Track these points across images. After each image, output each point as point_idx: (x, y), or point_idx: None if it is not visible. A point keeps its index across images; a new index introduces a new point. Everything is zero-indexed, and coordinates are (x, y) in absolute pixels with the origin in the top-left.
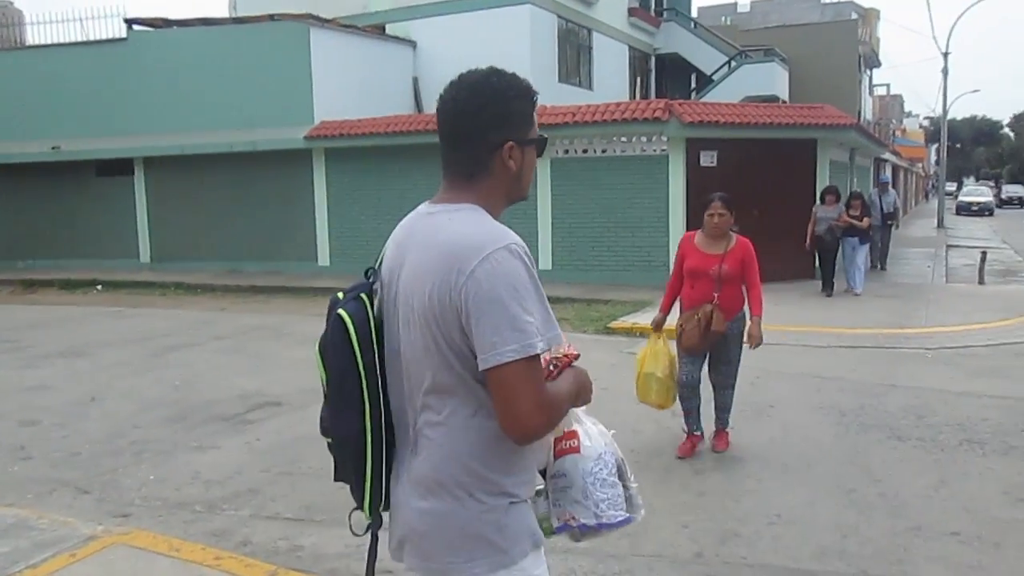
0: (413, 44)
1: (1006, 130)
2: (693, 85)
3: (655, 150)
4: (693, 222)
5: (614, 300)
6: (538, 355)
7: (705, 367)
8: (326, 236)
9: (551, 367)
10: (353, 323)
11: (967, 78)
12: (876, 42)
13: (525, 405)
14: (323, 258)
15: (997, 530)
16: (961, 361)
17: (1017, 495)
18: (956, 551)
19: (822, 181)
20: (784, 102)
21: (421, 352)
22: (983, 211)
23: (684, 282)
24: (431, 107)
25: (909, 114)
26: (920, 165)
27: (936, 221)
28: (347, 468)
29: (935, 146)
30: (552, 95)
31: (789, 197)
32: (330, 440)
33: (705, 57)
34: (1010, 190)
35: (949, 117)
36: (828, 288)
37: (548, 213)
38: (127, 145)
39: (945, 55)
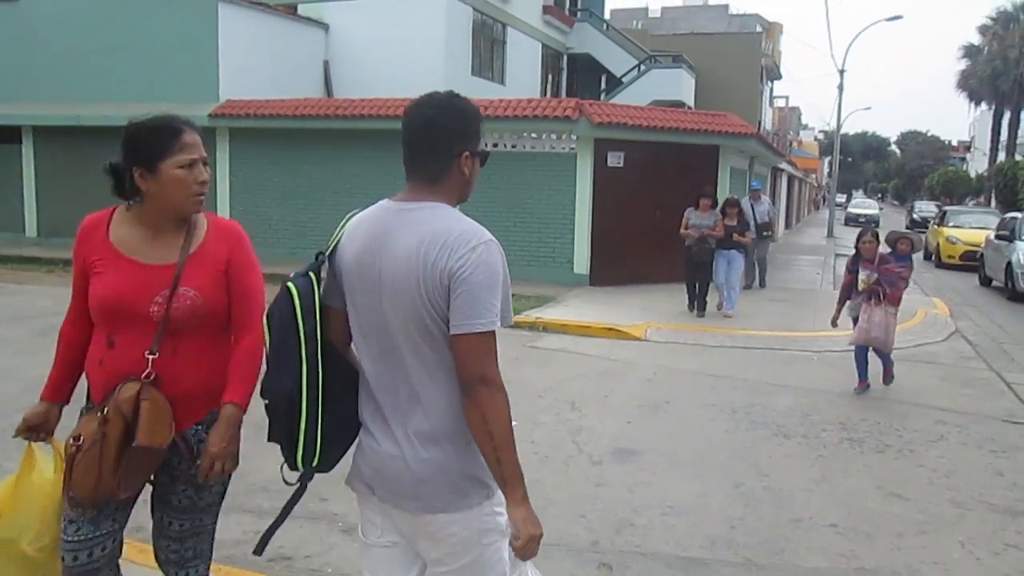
0: (325, 27)
1: (893, 147)
2: (603, 86)
3: (564, 148)
4: (598, 220)
5: (518, 295)
6: (494, 332)
7: None
8: (227, 216)
9: None
10: (299, 294)
11: (860, 96)
12: (778, 55)
13: (485, 368)
14: None
15: (871, 522)
16: (844, 364)
17: (889, 489)
18: (833, 541)
19: (723, 186)
20: (690, 108)
21: (410, 322)
22: (870, 223)
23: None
24: (342, 91)
25: (805, 127)
26: (814, 176)
27: (826, 230)
28: (280, 426)
29: (828, 159)
30: (464, 87)
31: (692, 201)
32: (267, 401)
33: (616, 59)
34: (924, 209)
35: (842, 132)
36: (699, 308)
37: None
38: (15, 112)
39: (841, 72)
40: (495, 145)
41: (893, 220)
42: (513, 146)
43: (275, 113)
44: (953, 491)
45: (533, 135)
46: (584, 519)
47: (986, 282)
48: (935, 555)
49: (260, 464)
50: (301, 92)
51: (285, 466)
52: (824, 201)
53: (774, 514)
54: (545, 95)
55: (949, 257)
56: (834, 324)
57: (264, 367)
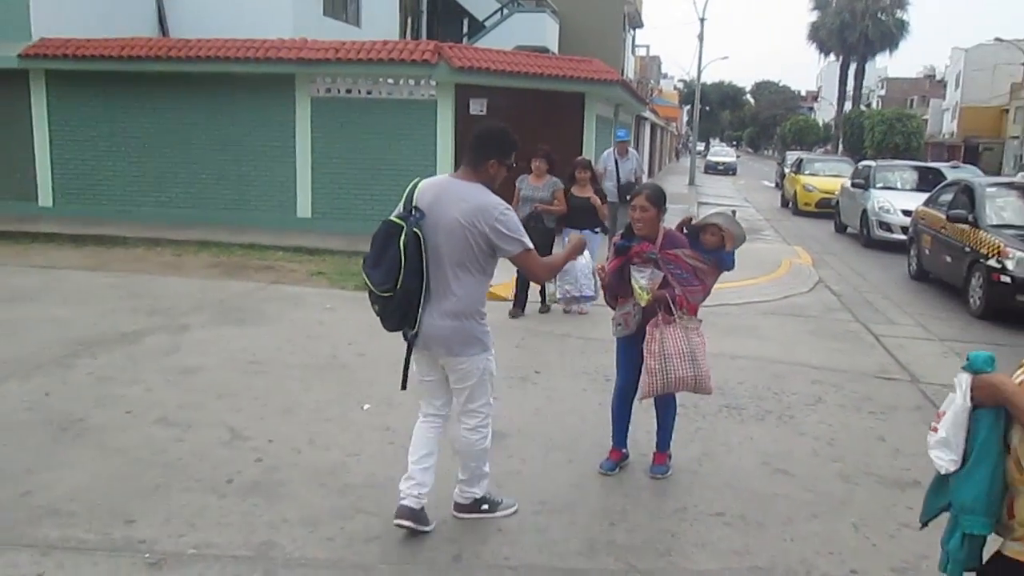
0: None
1: (748, 96)
2: (466, 30)
3: (423, 95)
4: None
5: None
6: (531, 248)
7: None
8: (48, 173)
9: None
10: (421, 234)
11: (718, 45)
12: (640, 3)
13: (536, 269)
14: (44, 198)
15: (759, 507)
16: (714, 320)
17: (775, 465)
18: (723, 535)
19: (589, 135)
20: (554, 55)
21: (457, 248)
22: (728, 170)
23: None
24: (180, 31)
25: (665, 76)
26: (674, 125)
27: (688, 179)
28: (399, 311)
29: (687, 107)
30: (315, 29)
31: (557, 150)
32: (391, 294)
33: (478, 2)
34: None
35: (700, 82)
36: (518, 305)
37: (308, 157)
38: None
39: (702, 20)
40: (348, 91)
41: (750, 168)
42: (369, 92)
43: (98, 54)
44: (839, 463)
45: (390, 80)
46: (445, 526)
47: (841, 229)
48: (829, 543)
49: (51, 479)
50: (132, 32)
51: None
52: (685, 150)
53: (656, 504)
54: (404, 39)
55: (805, 205)
56: None
57: (401, 275)
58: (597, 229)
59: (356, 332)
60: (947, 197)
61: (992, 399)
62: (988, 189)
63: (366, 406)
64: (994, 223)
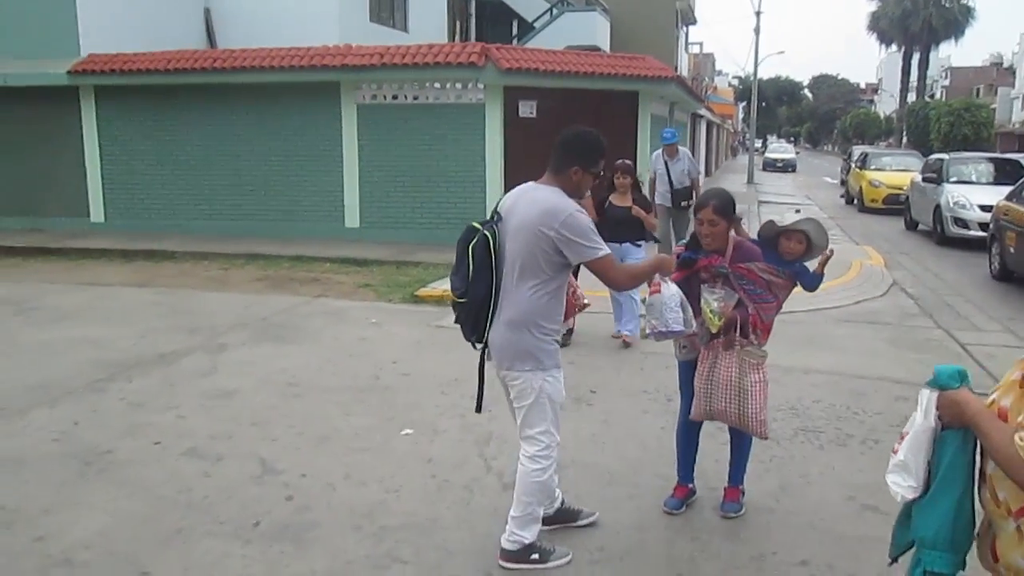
0: None
1: (806, 91)
2: (514, 32)
3: (471, 98)
4: (511, 176)
5: (426, 262)
6: (608, 254)
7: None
8: (99, 188)
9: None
10: (492, 236)
11: (773, 40)
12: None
13: (616, 276)
14: (96, 214)
15: (848, 554)
16: (783, 329)
17: (863, 500)
18: None
19: (644, 135)
20: (605, 53)
21: (523, 254)
22: (787, 167)
23: None
24: (226, 42)
25: (720, 72)
26: (730, 122)
27: (746, 177)
28: (470, 320)
29: (743, 104)
30: (362, 35)
31: (610, 151)
32: (465, 300)
33: (527, 3)
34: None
35: (757, 77)
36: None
37: (355, 165)
38: None
39: (758, 14)
40: (395, 97)
41: (810, 164)
42: (415, 98)
43: (146, 68)
44: None
45: (436, 85)
46: None
47: (912, 226)
48: None
49: (67, 521)
50: (180, 44)
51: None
52: (742, 147)
53: (730, 550)
54: (451, 42)
55: (872, 201)
56: None
57: (468, 281)
58: (640, 242)
59: (401, 350)
60: None
61: (957, 419)
62: None
63: (407, 431)
64: None
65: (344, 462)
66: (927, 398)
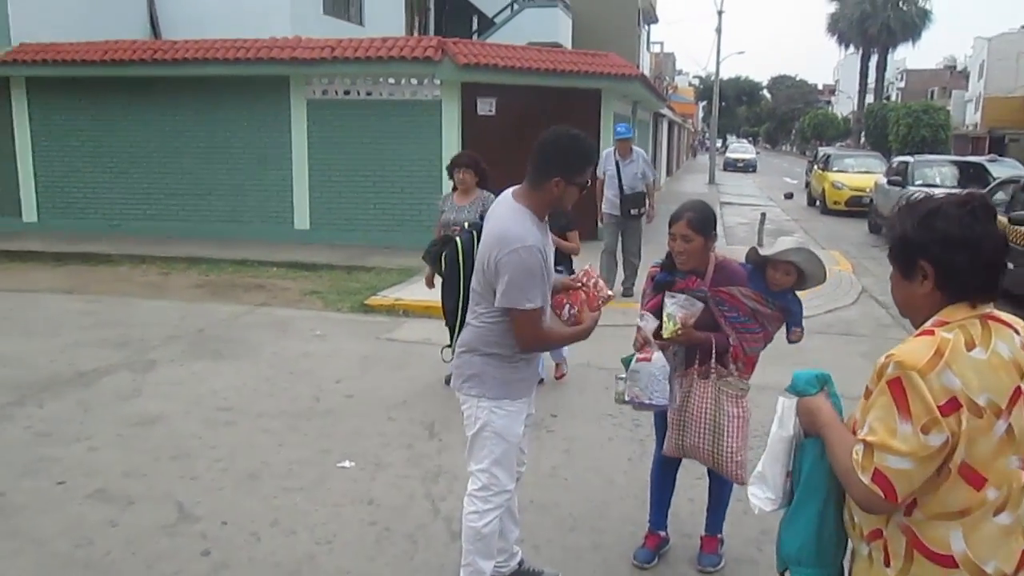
0: None
1: (765, 91)
2: (475, 27)
3: (427, 95)
4: None
5: (379, 267)
6: (536, 309)
7: None
8: (32, 186)
9: (572, 312)
10: (462, 246)
11: (734, 40)
12: None
13: (525, 336)
14: (28, 213)
15: None
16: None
17: None
18: None
19: (607, 134)
20: (568, 50)
21: (477, 274)
22: (748, 167)
23: None
24: (172, 34)
25: (680, 72)
26: (690, 122)
27: (708, 177)
28: (450, 334)
29: (703, 103)
30: (315, 27)
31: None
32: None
33: None
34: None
35: (718, 76)
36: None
37: (304, 164)
38: None
39: (720, 13)
40: (347, 93)
41: (770, 164)
42: (369, 94)
43: (80, 59)
44: None
45: (391, 80)
46: None
47: (876, 229)
48: None
49: None
50: (121, 35)
51: (443, 350)
52: (702, 147)
53: None
54: (407, 36)
55: (835, 203)
56: None
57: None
58: (560, 268)
59: (346, 367)
60: (1003, 197)
61: (811, 427)
62: None
63: (346, 463)
64: None
65: (272, 505)
66: (783, 405)
